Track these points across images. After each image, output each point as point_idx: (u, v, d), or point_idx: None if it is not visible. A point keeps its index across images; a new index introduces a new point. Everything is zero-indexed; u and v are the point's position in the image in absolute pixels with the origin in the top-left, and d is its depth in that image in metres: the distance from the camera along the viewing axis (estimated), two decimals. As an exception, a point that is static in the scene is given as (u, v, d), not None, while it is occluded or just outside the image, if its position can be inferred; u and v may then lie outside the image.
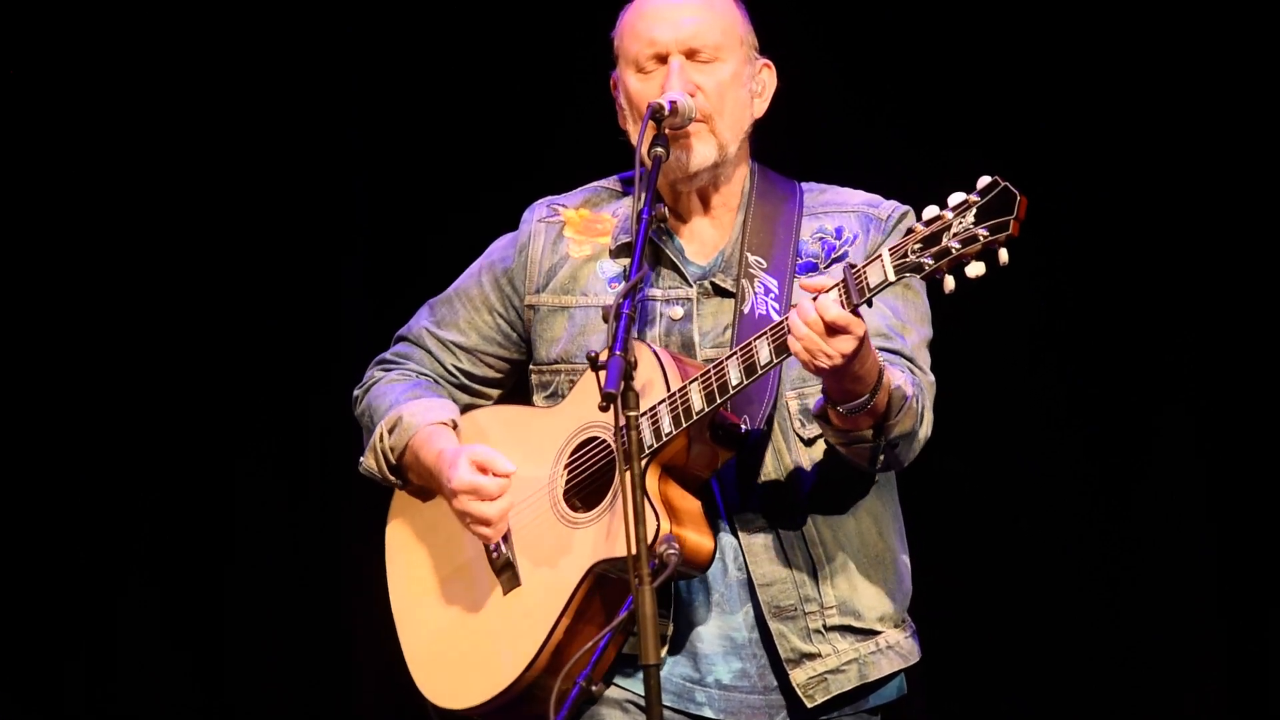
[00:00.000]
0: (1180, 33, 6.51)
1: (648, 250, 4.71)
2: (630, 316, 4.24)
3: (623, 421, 4.14)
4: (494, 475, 4.60)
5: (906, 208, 4.75)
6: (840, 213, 4.75)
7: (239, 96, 6.94)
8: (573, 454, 4.62)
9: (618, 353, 4.17)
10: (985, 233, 4.14)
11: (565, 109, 6.80)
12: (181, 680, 6.97)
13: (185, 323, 6.96)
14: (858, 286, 4.24)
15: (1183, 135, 6.53)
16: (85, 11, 6.86)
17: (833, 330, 4.23)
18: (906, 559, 4.74)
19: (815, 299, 4.25)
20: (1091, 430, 6.64)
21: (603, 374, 4.16)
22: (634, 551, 4.09)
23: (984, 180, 4.19)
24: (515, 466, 4.61)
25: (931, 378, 4.66)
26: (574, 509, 4.60)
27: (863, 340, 4.27)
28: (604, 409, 4.15)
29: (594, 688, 4.48)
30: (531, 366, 4.82)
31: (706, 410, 4.43)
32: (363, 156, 7.02)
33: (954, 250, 4.17)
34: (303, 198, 6.97)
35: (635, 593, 4.07)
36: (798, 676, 4.59)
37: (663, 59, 4.67)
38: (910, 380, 4.51)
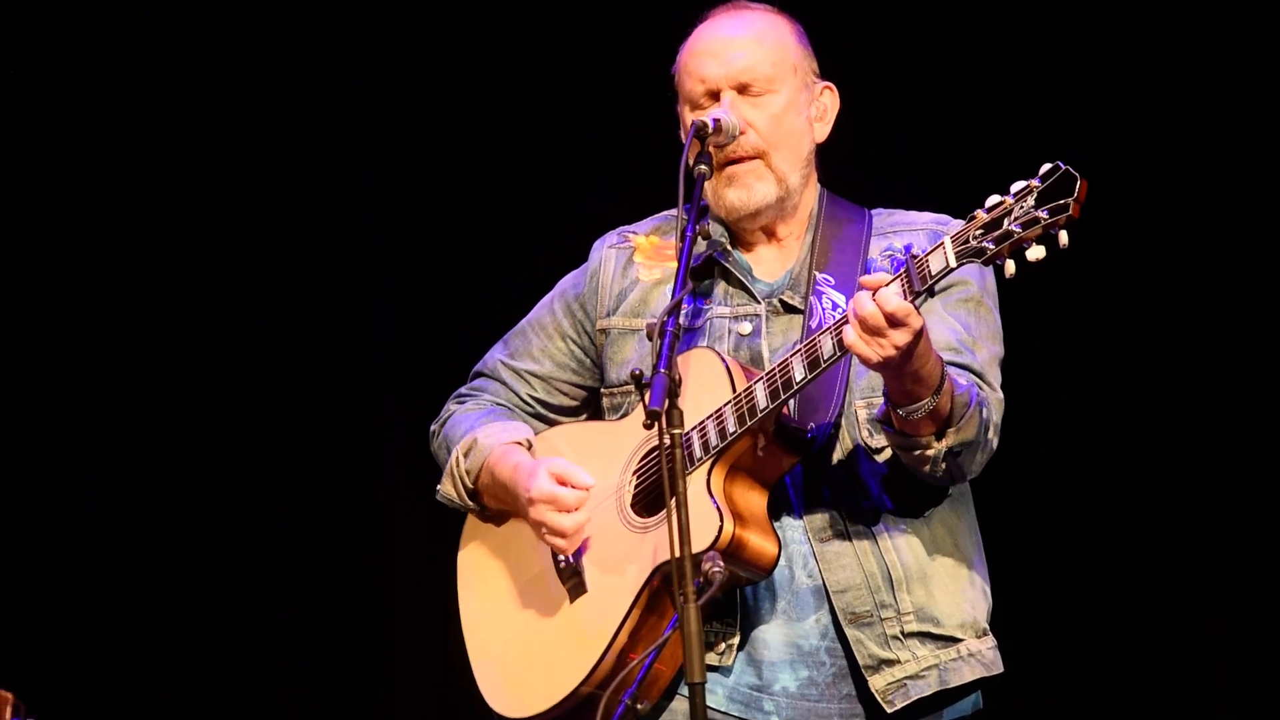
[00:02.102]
0: (1204, 35, 6.43)
1: (715, 272, 4.77)
2: (675, 334, 4.26)
3: (666, 439, 4.13)
4: (572, 487, 4.65)
5: None
6: (909, 231, 4.77)
7: (254, 117, 7.02)
8: (641, 460, 4.66)
9: (662, 370, 4.18)
10: (1045, 215, 4.17)
11: (576, 121, 6.84)
12: (214, 697, 7.06)
13: (215, 340, 7.05)
14: (920, 274, 4.26)
15: (1214, 135, 6.44)
16: (104, 34, 6.99)
17: (891, 322, 4.24)
18: (984, 571, 4.72)
19: (875, 293, 4.26)
20: (1119, 434, 6.56)
21: (648, 393, 4.17)
22: (679, 569, 4.09)
23: (1045, 166, 4.23)
24: (594, 480, 4.65)
25: (1000, 395, 4.64)
26: (640, 515, 4.63)
27: (920, 335, 4.27)
28: (648, 427, 4.17)
29: (639, 706, 4.48)
30: (603, 390, 4.88)
31: (771, 407, 4.44)
32: (369, 154, 7.06)
33: (1015, 234, 4.19)
34: (320, 218, 7.05)
35: (680, 611, 4.06)
36: (877, 683, 4.57)
37: (715, 95, 4.71)
38: (975, 389, 4.49)
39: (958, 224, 4.70)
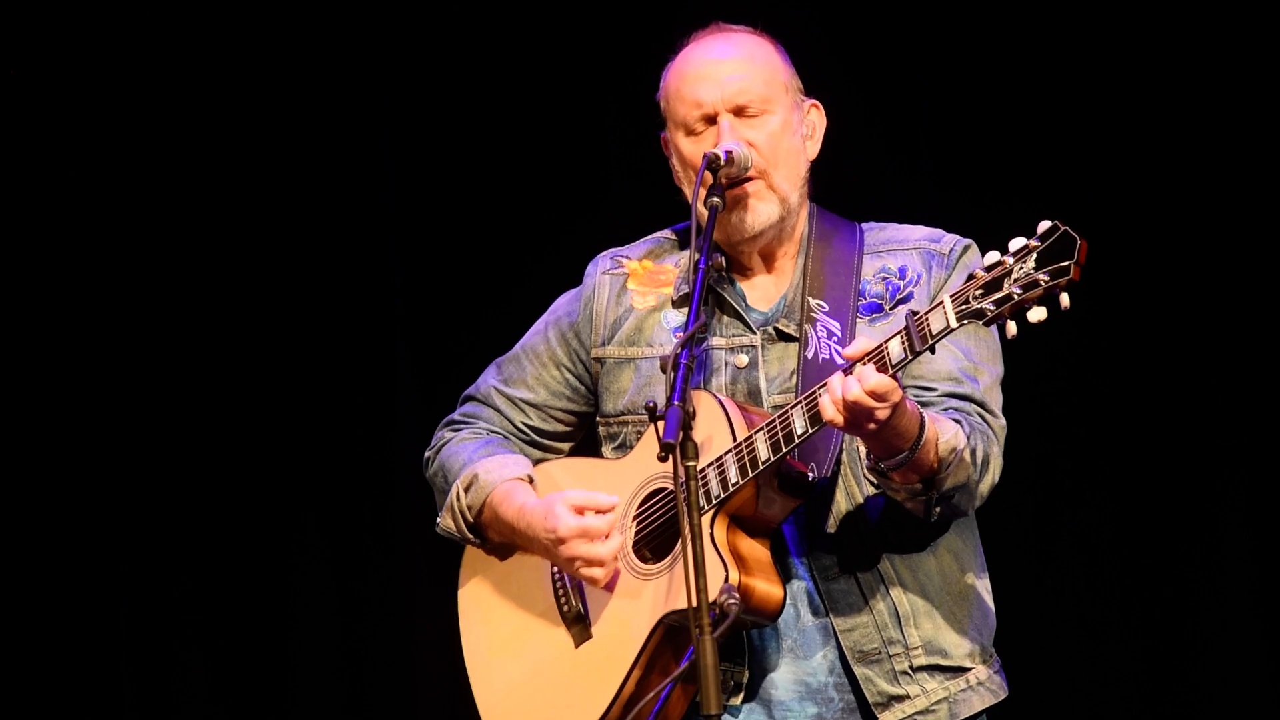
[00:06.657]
0: (1213, 40, 6.44)
1: (710, 299, 4.72)
2: (688, 366, 4.23)
3: (681, 472, 4.12)
4: (596, 512, 4.62)
5: (968, 241, 4.72)
6: (902, 250, 4.72)
7: (282, 156, 7.02)
8: (640, 506, 4.62)
9: (676, 403, 4.16)
10: (1045, 278, 4.14)
11: (595, 154, 6.86)
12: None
13: (240, 384, 7.04)
14: (920, 334, 4.24)
15: (1219, 137, 6.46)
16: (108, 40, 6.97)
17: (875, 398, 4.23)
18: (989, 590, 4.70)
19: (851, 370, 4.25)
20: (1123, 445, 6.59)
21: (661, 424, 4.15)
22: (694, 601, 4.06)
23: (1044, 225, 4.18)
24: (616, 497, 4.63)
25: (1002, 420, 4.62)
26: (643, 560, 4.60)
27: (898, 402, 4.26)
28: (662, 459, 4.14)
29: None
30: (598, 418, 4.84)
31: (773, 459, 4.42)
32: (393, 173, 7.07)
33: (1015, 296, 4.17)
34: (347, 259, 7.06)
35: (696, 643, 4.04)
36: (887, 719, 4.55)
37: (711, 120, 4.67)
38: (964, 430, 4.46)
39: (951, 239, 4.72)
